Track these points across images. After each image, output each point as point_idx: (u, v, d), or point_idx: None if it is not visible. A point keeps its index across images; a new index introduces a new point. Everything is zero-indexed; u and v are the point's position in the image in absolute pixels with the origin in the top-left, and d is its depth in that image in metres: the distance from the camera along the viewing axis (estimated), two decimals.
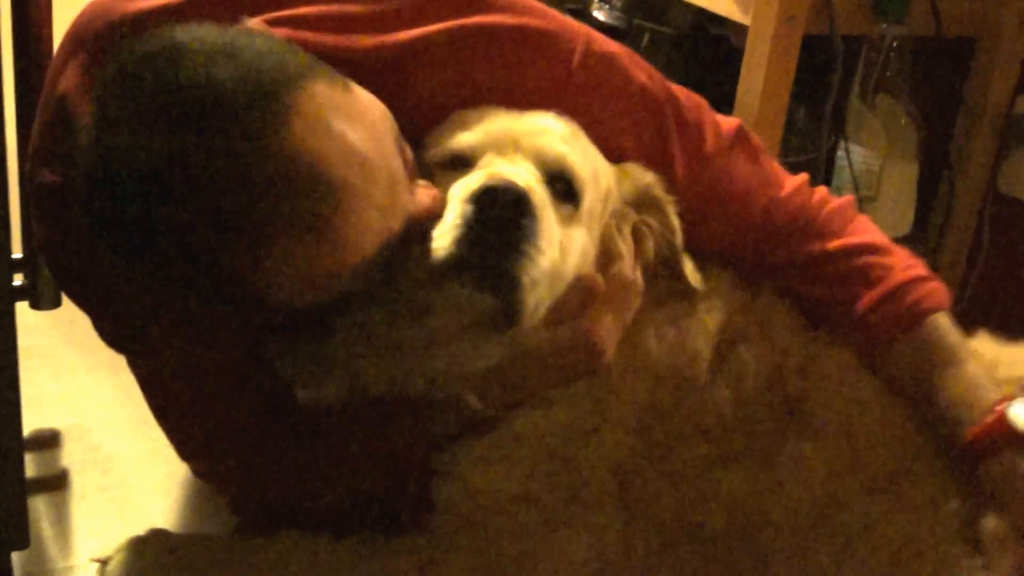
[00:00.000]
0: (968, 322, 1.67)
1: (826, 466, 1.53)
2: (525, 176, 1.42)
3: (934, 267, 2.44)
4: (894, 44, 2.19)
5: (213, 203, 1.21)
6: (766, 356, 1.58)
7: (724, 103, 2.29)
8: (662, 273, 1.62)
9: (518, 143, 1.47)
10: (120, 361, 1.61)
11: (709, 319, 1.60)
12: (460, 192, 1.38)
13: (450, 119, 1.53)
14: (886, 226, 2.31)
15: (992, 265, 2.50)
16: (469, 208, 1.35)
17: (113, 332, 1.56)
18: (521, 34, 1.55)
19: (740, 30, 2.16)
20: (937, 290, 1.64)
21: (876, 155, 2.25)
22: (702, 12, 2.27)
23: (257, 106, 1.22)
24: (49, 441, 1.91)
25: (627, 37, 2.64)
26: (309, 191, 1.23)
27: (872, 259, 1.64)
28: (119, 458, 1.89)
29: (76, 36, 1.51)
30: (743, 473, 1.54)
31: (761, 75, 2.06)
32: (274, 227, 1.23)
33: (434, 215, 1.40)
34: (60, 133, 1.46)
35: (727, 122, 1.69)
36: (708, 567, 1.56)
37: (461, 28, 1.52)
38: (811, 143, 2.36)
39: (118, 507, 1.83)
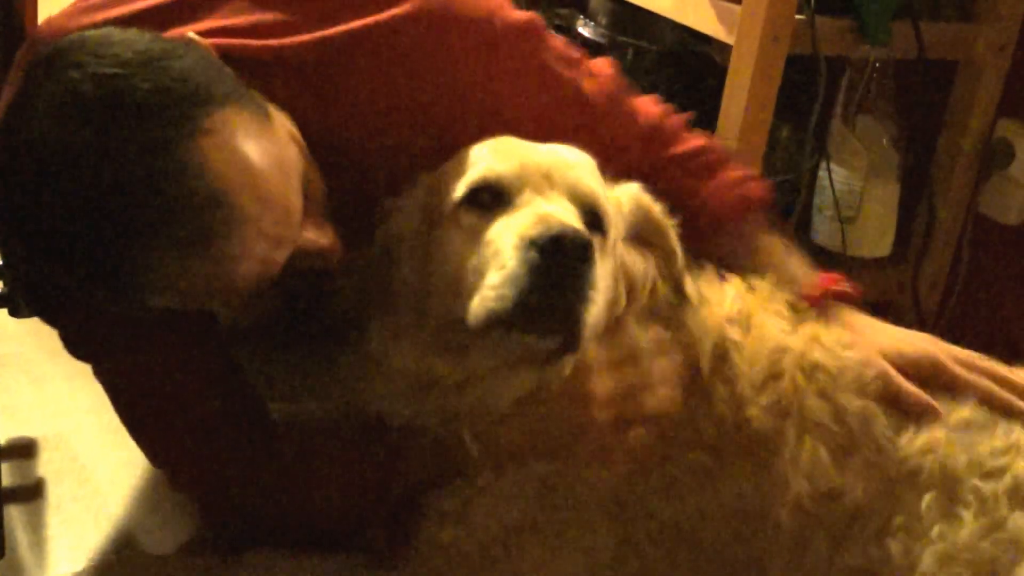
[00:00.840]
0: (948, 341, 1.69)
1: (831, 456, 1.54)
2: (573, 218, 1.41)
3: (914, 288, 2.46)
4: (877, 66, 2.20)
5: (102, 201, 1.23)
6: (761, 355, 1.59)
7: (707, 121, 2.30)
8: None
9: (551, 177, 1.47)
10: None
11: (702, 324, 1.61)
12: (513, 237, 1.36)
13: (461, 154, 1.52)
14: (867, 247, 2.33)
15: (972, 286, 2.51)
16: (535, 256, 1.32)
17: (75, 341, 1.57)
18: (440, 18, 1.56)
19: (724, 48, 2.17)
20: (764, 186, 1.81)
21: (858, 176, 2.25)
22: (686, 30, 2.28)
23: (170, 117, 1.24)
24: (25, 450, 1.90)
25: (611, 53, 2.65)
26: (202, 210, 1.25)
27: (712, 157, 1.77)
28: (96, 468, 1.88)
29: (26, 56, 1.50)
30: (743, 479, 1.54)
31: (744, 94, 2.07)
32: (159, 237, 1.24)
33: (328, 255, 1.46)
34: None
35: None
36: (703, 570, 1.58)
37: (386, 22, 1.54)
38: (793, 163, 2.37)
39: (94, 517, 1.81)
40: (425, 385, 1.51)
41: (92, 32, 1.32)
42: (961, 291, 2.52)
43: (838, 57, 2.23)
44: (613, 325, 1.56)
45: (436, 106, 1.59)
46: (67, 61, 1.26)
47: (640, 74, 2.62)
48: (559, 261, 1.32)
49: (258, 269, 1.33)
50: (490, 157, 1.49)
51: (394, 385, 1.54)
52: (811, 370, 1.57)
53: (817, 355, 1.58)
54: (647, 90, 2.25)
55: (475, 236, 1.42)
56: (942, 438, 1.51)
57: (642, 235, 1.63)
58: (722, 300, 1.64)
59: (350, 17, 1.55)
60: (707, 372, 1.57)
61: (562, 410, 1.53)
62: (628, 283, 1.59)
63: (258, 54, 1.49)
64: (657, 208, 1.63)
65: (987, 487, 1.47)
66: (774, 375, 1.57)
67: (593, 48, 2.67)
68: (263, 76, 1.46)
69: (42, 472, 1.87)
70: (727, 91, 2.12)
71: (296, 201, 1.36)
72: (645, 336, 1.58)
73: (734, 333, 1.60)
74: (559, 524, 1.54)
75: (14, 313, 1.98)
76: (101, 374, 1.59)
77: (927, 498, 1.49)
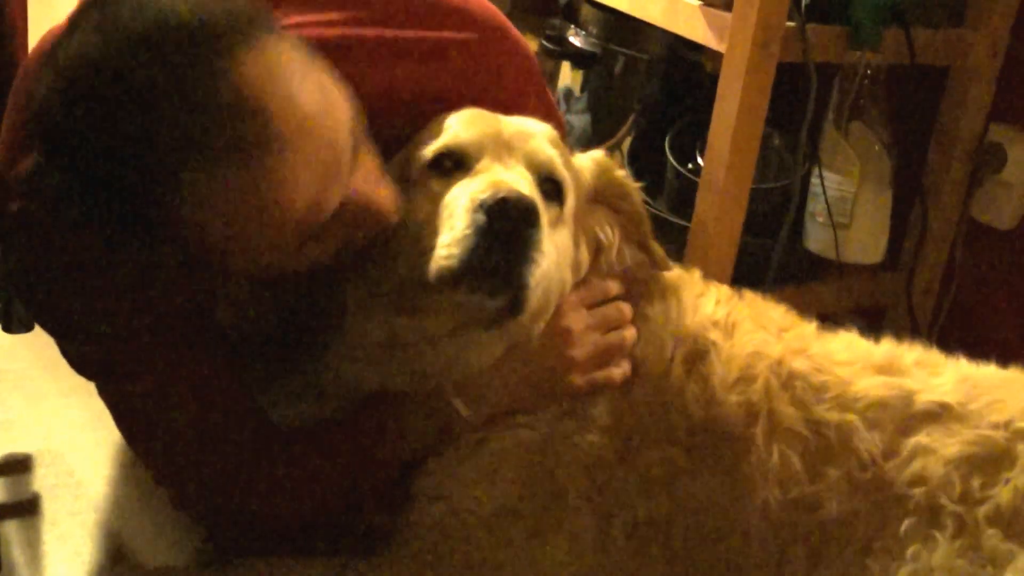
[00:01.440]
0: (942, 347, 1.68)
1: (803, 464, 1.53)
2: (527, 185, 1.49)
3: (908, 293, 2.47)
4: (868, 73, 2.20)
5: (155, 116, 1.23)
6: (739, 357, 1.61)
7: (699, 128, 2.30)
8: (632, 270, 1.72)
9: (510, 145, 1.55)
10: (93, 386, 1.61)
11: (680, 316, 1.66)
12: (466, 199, 1.43)
13: (433, 122, 1.60)
14: (860, 253, 2.33)
15: (965, 291, 2.52)
16: (481, 218, 1.39)
17: (81, 357, 1.56)
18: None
19: (715, 56, 2.17)
20: None
21: (850, 182, 2.26)
22: (677, 38, 2.28)
23: (210, 34, 1.25)
24: (21, 465, 1.90)
25: (603, 62, 2.66)
26: (236, 120, 1.25)
27: None
28: (91, 483, 1.88)
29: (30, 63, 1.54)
30: (711, 478, 1.56)
31: (736, 102, 2.07)
32: (207, 151, 1.25)
33: (389, 219, 1.47)
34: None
35: None
36: (680, 572, 1.58)
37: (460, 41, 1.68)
38: (786, 170, 2.37)
39: (90, 532, 1.81)
40: (389, 347, 1.56)
41: None
42: (955, 296, 2.53)
43: (829, 64, 2.24)
44: (582, 282, 1.66)
45: None
46: None
47: (632, 82, 2.63)
48: (505, 224, 1.40)
49: (305, 203, 1.33)
50: (456, 126, 1.57)
51: (363, 349, 1.58)
52: (787, 378, 1.58)
53: (798, 365, 1.59)
54: (640, 97, 2.28)
55: (436, 199, 1.50)
56: (938, 472, 1.48)
57: (607, 200, 1.72)
58: (705, 303, 1.70)
59: (417, 26, 1.65)
60: (676, 368, 1.61)
61: (544, 355, 1.60)
62: (593, 247, 1.68)
63: (325, 39, 1.51)
64: (621, 172, 1.72)
65: (968, 513, 1.45)
66: (747, 378, 1.59)
67: (585, 57, 2.68)
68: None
69: (38, 487, 1.87)
70: (719, 99, 2.12)
71: (343, 140, 1.36)
72: (614, 286, 1.68)
73: (716, 335, 1.64)
74: (542, 506, 1.56)
75: (8, 329, 1.98)
76: (105, 393, 1.59)
77: (907, 522, 1.48)
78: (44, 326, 1.57)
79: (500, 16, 1.77)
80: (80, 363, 1.57)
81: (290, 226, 1.34)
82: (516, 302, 1.44)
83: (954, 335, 2.52)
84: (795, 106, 2.18)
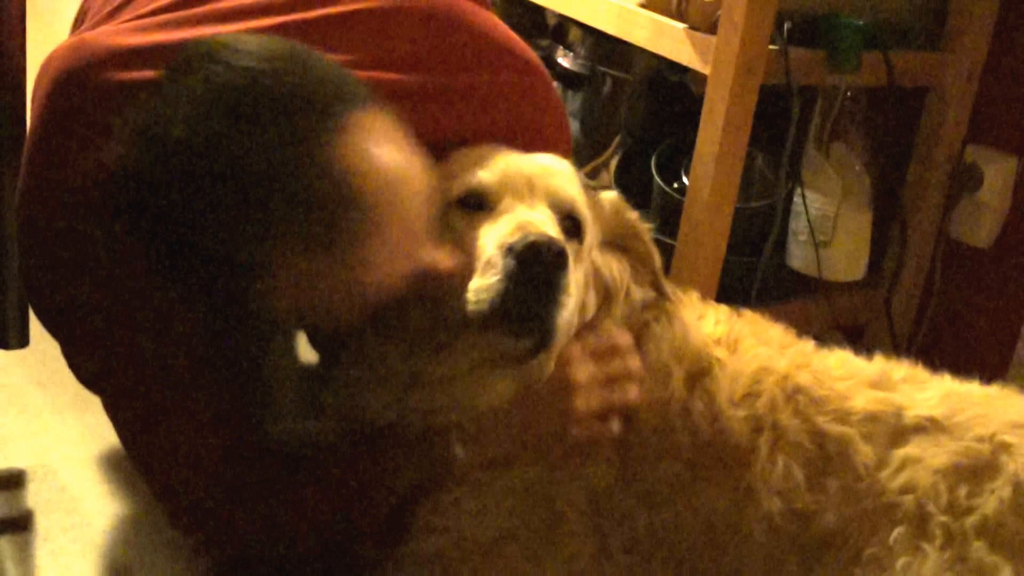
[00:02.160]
0: (921, 363, 1.71)
1: (804, 475, 1.55)
2: (551, 225, 1.50)
3: (888, 311, 2.50)
4: (848, 95, 2.24)
5: (249, 195, 1.23)
6: (744, 373, 1.63)
7: (684, 148, 2.33)
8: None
9: (532, 184, 1.55)
10: (87, 401, 1.63)
11: (682, 336, 1.67)
12: (495, 243, 1.44)
13: (454, 157, 1.59)
14: (841, 271, 2.36)
15: (945, 308, 2.55)
16: (512, 263, 1.40)
17: (86, 368, 1.56)
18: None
19: (700, 78, 2.19)
20: None
21: (831, 202, 2.29)
22: (663, 60, 2.31)
23: (314, 111, 1.25)
24: (14, 481, 1.90)
25: (591, 83, 2.68)
26: (338, 208, 1.26)
27: None
28: (85, 499, 1.88)
29: (58, 78, 1.49)
30: (716, 491, 1.57)
31: (720, 123, 2.09)
32: (294, 231, 1.26)
33: (452, 277, 1.45)
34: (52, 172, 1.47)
35: None
36: None
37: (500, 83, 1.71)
38: (769, 190, 2.40)
39: (83, 548, 1.81)
40: (410, 383, 1.56)
41: (222, 35, 1.35)
42: (934, 313, 2.56)
43: (811, 86, 2.27)
44: (589, 325, 1.64)
45: None
46: (208, 58, 1.27)
47: (619, 103, 2.65)
48: (535, 268, 1.41)
49: (382, 279, 1.36)
50: (477, 165, 1.56)
51: (383, 382, 1.58)
52: (792, 392, 1.60)
53: (802, 379, 1.61)
54: (627, 117, 2.30)
55: (460, 238, 1.50)
56: (927, 481, 1.51)
57: (618, 240, 1.73)
58: (706, 322, 1.72)
59: (462, 69, 1.66)
60: (680, 386, 1.62)
61: (546, 404, 1.58)
62: (604, 287, 1.68)
63: (380, 83, 1.49)
64: (634, 215, 1.75)
65: (955, 523, 1.48)
66: (753, 393, 1.61)
67: (574, 78, 2.71)
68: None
69: (31, 503, 1.87)
70: (703, 120, 2.14)
71: (423, 211, 1.38)
72: (623, 336, 1.66)
73: (719, 352, 1.66)
74: (541, 533, 1.58)
75: (2, 345, 1.98)
76: (107, 406, 1.59)
77: (896, 531, 1.50)
78: (54, 332, 1.56)
79: (534, 55, 1.79)
80: (85, 374, 1.57)
81: (359, 297, 1.37)
82: (543, 340, 1.46)
83: (933, 351, 2.54)
84: (778, 127, 2.21)
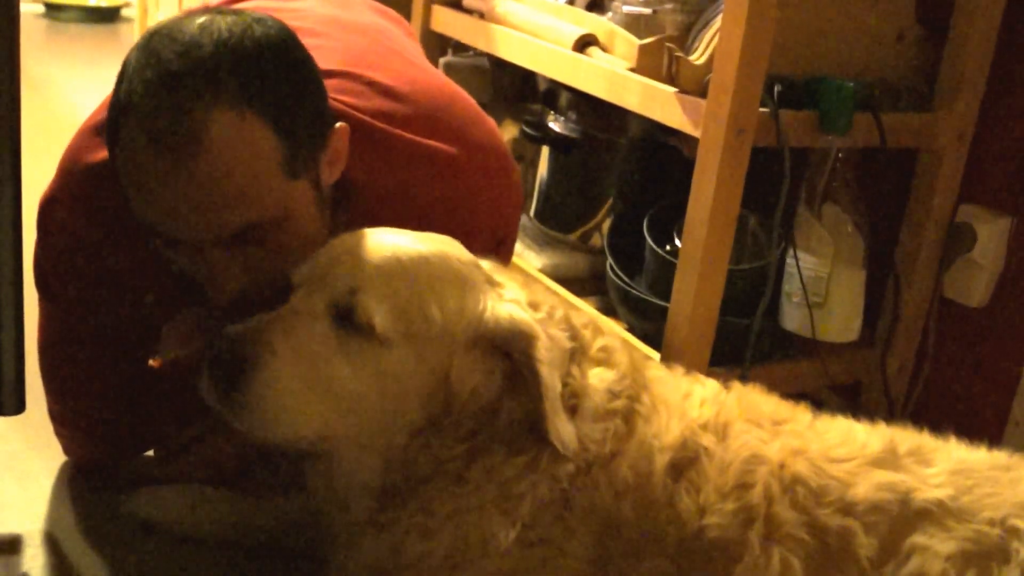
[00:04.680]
0: (916, 423, 1.66)
1: (805, 570, 1.49)
2: (277, 318, 1.52)
3: (883, 371, 2.51)
4: (840, 156, 2.25)
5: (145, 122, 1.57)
6: (734, 464, 1.55)
7: (676, 210, 2.35)
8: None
9: (324, 275, 1.54)
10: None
11: (667, 425, 1.58)
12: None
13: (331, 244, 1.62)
14: (835, 332, 2.36)
15: (939, 368, 2.55)
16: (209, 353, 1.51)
17: (44, 275, 1.95)
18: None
19: (691, 141, 2.21)
20: None
21: (824, 263, 2.29)
22: (654, 123, 2.33)
23: (201, 88, 1.56)
24: (11, 546, 1.90)
25: (582, 147, 2.71)
26: (186, 146, 1.56)
27: None
28: (81, 565, 1.88)
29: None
30: None
31: (712, 185, 2.11)
32: (158, 145, 1.56)
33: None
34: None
35: None
36: None
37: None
38: (761, 251, 2.41)
39: None
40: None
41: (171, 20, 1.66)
42: (929, 373, 2.56)
43: (802, 148, 2.29)
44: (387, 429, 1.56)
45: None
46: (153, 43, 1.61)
47: (611, 165, 2.68)
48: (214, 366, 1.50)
49: (177, 214, 1.61)
50: (316, 254, 1.60)
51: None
52: (790, 483, 1.53)
53: (799, 468, 1.54)
54: (619, 180, 2.32)
55: None
56: (936, 569, 1.46)
57: (513, 353, 1.56)
58: (690, 405, 1.63)
59: (427, 134, 1.90)
60: (663, 478, 1.54)
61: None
62: (447, 396, 1.55)
63: (344, 115, 1.81)
64: (535, 343, 1.53)
65: None
66: (744, 484, 1.54)
67: (565, 142, 2.74)
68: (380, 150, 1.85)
69: (27, 568, 1.87)
70: (695, 182, 2.16)
71: (231, 213, 1.61)
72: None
73: (706, 440, 1.57)
74: None
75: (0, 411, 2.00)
76: (45, 305, 1.98)
77: None
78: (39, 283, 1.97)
79: (501, 144, 2.02)
80: (41, 278, 1.96)
81: (151, 213, 1.63)
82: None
83: (928, 411, 2.55)
84: (770, 189, 2.22)
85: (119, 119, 1.60)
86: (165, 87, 1.56)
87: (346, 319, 1.50)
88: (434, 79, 2.04)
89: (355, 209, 1.84)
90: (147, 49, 1.60)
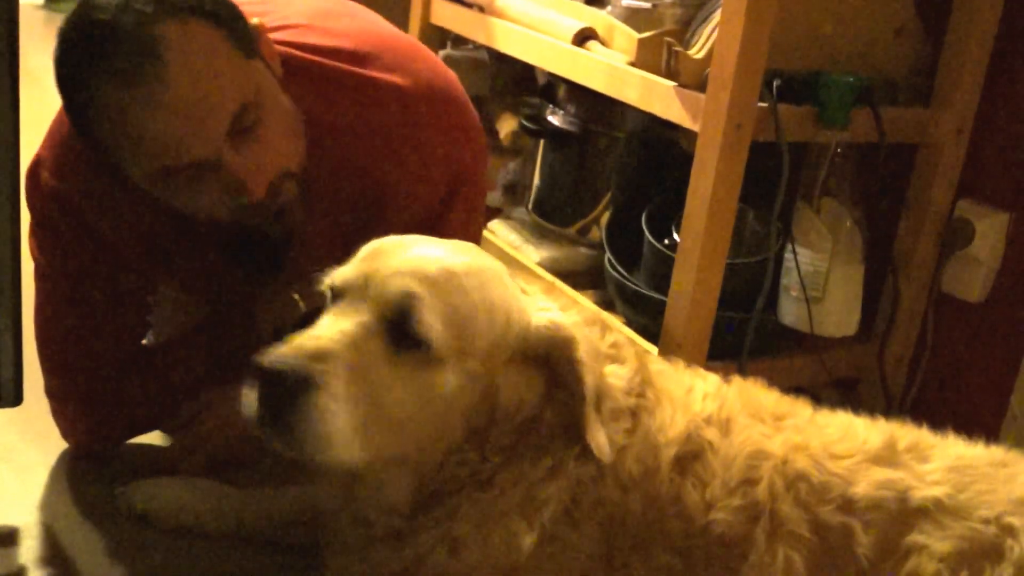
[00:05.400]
0: (914, 418, 1.68)
1: (806, 567, 1.49)
2: (335, 338, 1.41)
3: (881, 366, 2.51)
4: (839, 151, 2.25)
5: (99, 48, 1.67)
6: (739, 459, 1.54)
7: (675, 205, 2.35)
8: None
9: (367, 286, 1.46)
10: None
11: (671, 420, 1.57)
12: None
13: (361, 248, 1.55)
14: (833, 326, 2.36)
15: (937, 363, 2.56)
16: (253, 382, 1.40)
17: (33, 242, 2.00)
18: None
19: (690, 135, 2.22)
20: None
21: (823, 257, 2.30)
22: (653, 117, 2.33)
23: (165, 7, 1.66)
24: (8, 538, 1.90)
25: (581, 141, 2.71)
26: (144, 56, 1.65)
27: None
28: (79, 556, 1.88)
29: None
30: None
31: (710, 180, 2.11)
32: (109, 64, 1.66)
33: (238, 187, 1.76)
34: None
35: None
36: None
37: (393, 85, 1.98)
38: (760, 246, 2.41)
39: None
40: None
41: None
42: (926, 367, 2.56)
43: (801, 143, 2.30)
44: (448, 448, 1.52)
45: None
46: None
47: (609, 159, 2.68)
48: (267, 388, 1.38)
49: (174, 140, 1.69)
50: (354, 260, 1.52)
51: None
52: (793, 479, 1.52)
53: (801, 464, 1.53)
54: (617, 174, 2.32)
55: None
56: (931, 569, 1.46)
57: (550, 360, 1.53)
58: (693, 399, 1.61)
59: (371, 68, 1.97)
60: (669, 472, 1.53)
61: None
62: (490, 408, 1.51)
63: (290, 58, 1.91)
64: (568, 334, 1.52)
65: None
66: (750, 480, 1.53)
67: (563, 136, 2.73)
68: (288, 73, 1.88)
69: (24, 561, 1.87)
70: (694, 177, 2.16)
71: (219, 113, 1.71)
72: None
73: (710, 434, 1.56)
74: None
75: None
76: (42, 280, 2.02)
77: None
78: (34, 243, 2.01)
79: (453, 85, 2.08)
80: (35, 249, 2.01)
81: (155, 152, 1.71)
82: (297, 450, 1.40)
83: (926, 405, 2.55)
84: (768, 183, 2.22)
85: (80, 80, 1.70)
86: (108, 28, 1.66)
87: (400, 335, 1.43)
88: (384, 27, 2.12)
89: (314, 146, 1.90)
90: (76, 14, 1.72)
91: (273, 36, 1.89)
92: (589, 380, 1.49)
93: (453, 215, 2.05)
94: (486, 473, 1.51)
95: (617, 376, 1.58)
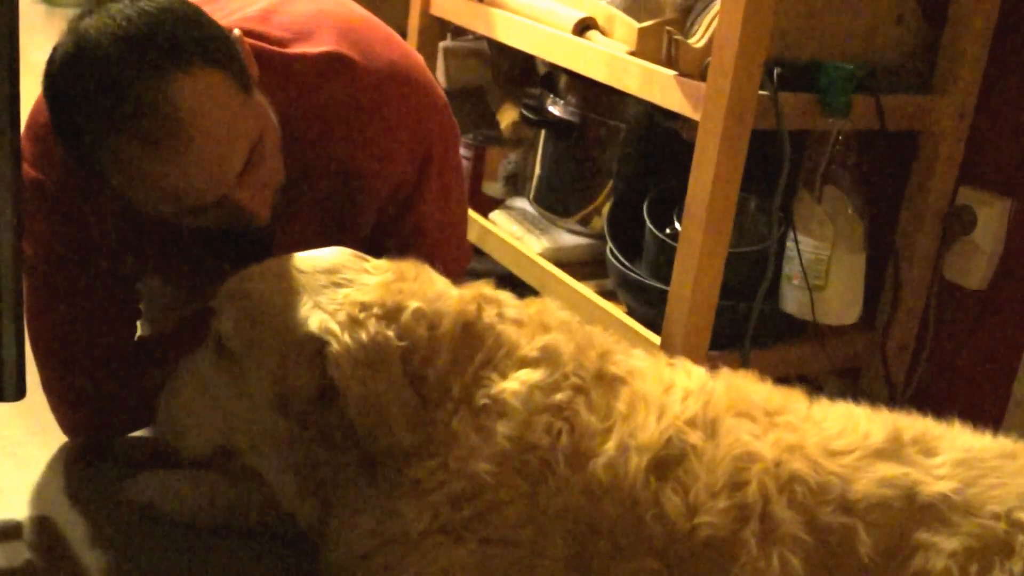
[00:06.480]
0: (917, 406, 1.66)
1: (805, 569, 1.46)
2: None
3: (883, 354, 2.51)
4: (840, 139, 2.25)
5: (101, 104, 1.64)
6: (724, 462, 1.51)
7: (676, 194, 2.35)
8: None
9: None
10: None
11: (644, 423, 1.55)
12: None
13: None
14: (835, 314, 2.36)
15: (939, 351, 2.56)
16: None
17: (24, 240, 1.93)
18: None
19: (691, 124, 2.21)
20: None
21: (824, 245, 2.29)
22: (654, 107, 2.33)
23: (171, 55, 1.63)
24: (12, 532, 1.90)
25: (581, 131, 2.70)
26: (165, 122, 1.63)
27: None
28: (83, 550, 1.88)
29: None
30: None
31: (711, 169, 2.11)
32: (128, 127, 1.63)
33: (251, 217, 1.82)
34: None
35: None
36: None
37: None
38: (761, 234, 2.41)
39: None
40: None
41: None
42: (929, 355, 2.56)
43: (802, 131, 2.29)
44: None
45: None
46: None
47: (610, 149, 2.68)
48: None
49: (192, 189, 1.71)
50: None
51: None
52: (787, 481, 1.49)
53: (796, 466, 1.50)
54: (618, 164, 2.31)
55: None
56: (939, 566, 1.44)
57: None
58: (672, 400, 1.59)
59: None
60: (643, 474, 1.51)
61: None
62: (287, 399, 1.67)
63: (267, 57, 1.90)
64: (328, 351, 1.59)
65: None
66: (737, 483, 1.50)
67: (564, 126, 2.73)
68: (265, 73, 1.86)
69: (28, 555, 1.87)
70: (695, 166, 2.16)
71: (234, 160, 1.72)
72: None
73: (694, 437, 1.53)
74: None
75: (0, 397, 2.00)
76: (32, 274, 1.97)
77: None
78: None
79: (412, 59, 2.09)
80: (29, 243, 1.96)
81: (170, 197, 1.72)
82: None
83: (929, 393, 2.55)
84: (769, 172, 2.22)
85: (84, 131, 1.68)
86: (111, 81, 1.63)
87: (220, 344, 1.69)
88: (348, 10, 2.12)
89: (286, 138, 1.91)
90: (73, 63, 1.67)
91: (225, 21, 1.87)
92: (341, 381, 1.57)
93: (427, 194, 2.10)
94: (355, 470, 1.64)
95: (522, 381, 1.59)
